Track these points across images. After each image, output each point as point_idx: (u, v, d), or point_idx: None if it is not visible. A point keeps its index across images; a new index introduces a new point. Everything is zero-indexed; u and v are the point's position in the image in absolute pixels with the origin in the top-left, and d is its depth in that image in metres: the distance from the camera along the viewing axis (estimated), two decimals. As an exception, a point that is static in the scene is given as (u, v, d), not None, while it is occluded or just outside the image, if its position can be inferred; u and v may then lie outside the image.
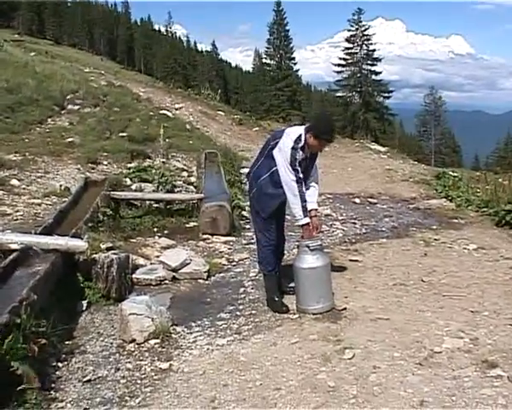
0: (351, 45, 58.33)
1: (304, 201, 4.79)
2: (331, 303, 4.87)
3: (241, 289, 5.60)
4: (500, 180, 12.69)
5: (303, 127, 4.97)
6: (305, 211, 4.81)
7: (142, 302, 4.55)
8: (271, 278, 5.09)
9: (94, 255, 5.25)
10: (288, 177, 4.76)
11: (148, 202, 8.34)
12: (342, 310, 4.81)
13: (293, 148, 4.76)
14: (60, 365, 4.01)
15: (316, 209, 5.07)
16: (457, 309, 4.81)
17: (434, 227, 8.12)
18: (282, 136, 4.92)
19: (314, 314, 4.74)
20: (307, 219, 4.82)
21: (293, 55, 64.88)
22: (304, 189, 4.84)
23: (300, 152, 4.80)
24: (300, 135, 4.85)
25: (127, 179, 9.40)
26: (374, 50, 58.14)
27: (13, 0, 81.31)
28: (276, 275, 5.15)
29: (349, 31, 58.35)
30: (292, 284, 5.10)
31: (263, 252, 5.09)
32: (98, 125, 14.04)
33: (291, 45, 64.31)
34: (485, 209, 9.15)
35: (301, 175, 4.80)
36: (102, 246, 5.58)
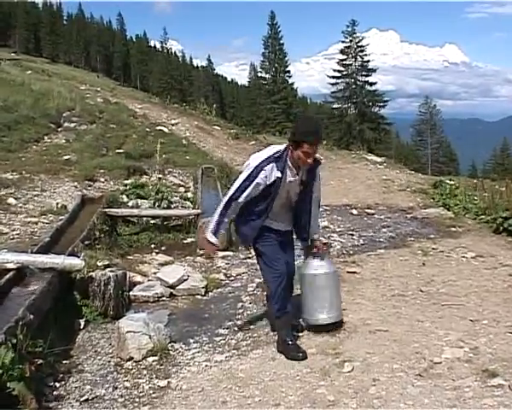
0: (345, 57, 58.64)
1: (221, 217, 4.30)
2: (338, 314, 4.62)
3: (239, 304, 5.57)
4: (497, 187, 12.71)
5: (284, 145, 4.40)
6: (218, 227, 4.32)
7: (139, 320, 4.53)
8: (284, 318, 4.41)
9: (91, 273, 5.23)
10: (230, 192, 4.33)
11: (145, 219, 8.32)
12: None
13: (257, 166, 4.24)
14: (57, 384, 3.97)
15: (318, 239, 4.66)
16: (457, 318, 4.78)
17: (432, 236, 8.11)
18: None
19: (320, 326, 4.56)
20: (213, 239, 4.33)
21: (288, 68, 65.39)
22: (231, 211, 4.33)
23: (279, 173, 4.23)
24: (279, 153, 4.30)
25: (124, 196, 9.38)
26: (368, 61, 58.47)
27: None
28: (289, 313, 4.51)
29: (343, 42, 58.70)
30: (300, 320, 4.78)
31: (272, 289, 4.45)
32: (95, 143, 14.08)
33: (286, 58, 64.83)
34: (482, 217, 9.16)
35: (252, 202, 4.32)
36: (99, 264, 5.56)
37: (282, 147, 4.37)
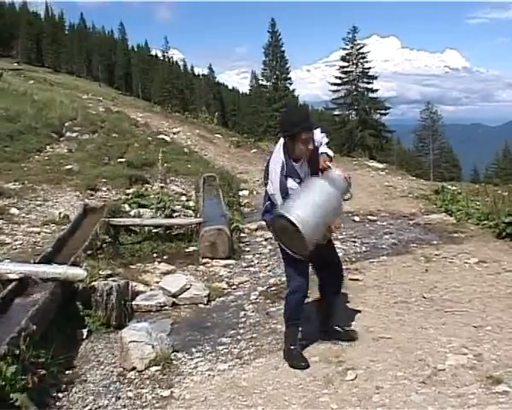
0: (346, 64, 58.74)
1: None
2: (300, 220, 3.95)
3: (242, 313, 5.56)
4: (500, 192, 12.69)
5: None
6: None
7: (142, 329, 4.53)
8: (292, 327, 4.41)
9: (93, 283, 5.23)
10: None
11: (147, 228, 8.32)
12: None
13: (280, 173, 4.14)
14: (60, 395, 3.97)
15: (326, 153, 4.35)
16: (460, 325, 4.76)
17: (435, 242, 8.08)
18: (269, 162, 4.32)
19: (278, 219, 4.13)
20: None
21: (289, 76, 65.50)
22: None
23: (291, 165, 4.17)
24: (280, 150, 4.24)
25: (126, 205, 9.39)
26: (369, 68, 58.55)
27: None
28: (298, 324, 4.44)
29: (344, 49, 58.80)
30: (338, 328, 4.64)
31: (288, 298, 4.40)
32: (96, 152, 14.12)
33: (287, 66, 64.96)
34: (485, 222, 9.12)
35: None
36: (102, 273, 5.57)
37: (280, 151, 4.26)
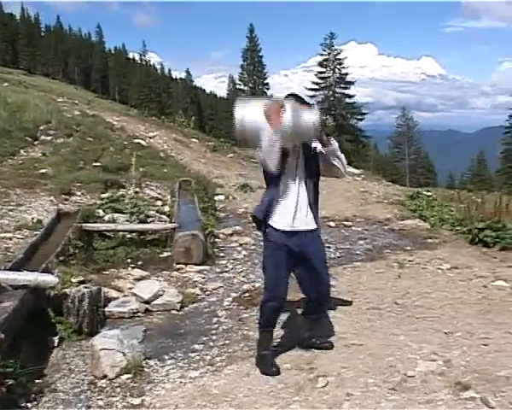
0: (323, 69, 59.06)
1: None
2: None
3: (215, 319, 5.53)
4: (474, 198, 12.86)
5: None
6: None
7: (113, 337, 4.49)
8: (266, 334, 4.38)
9: (65, 290, 5.17)
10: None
11: (121, 233, 8.26)
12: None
13: None
14: (29, 405, 3.90)
15: None
16: (431, 331, 4.82)
17: (409, 248, 8.16)
18: None
19: None
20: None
21: (266, 81, 65.65)
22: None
23: None
24: None
25: (100, 210, 9.30)
26: (346, 74, 59.00)
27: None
28: (272, 330, 4.42)
29: (322, 55, 59.14)
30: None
31: (263, 305, 4.33)
32: (71, 156, 13.96)
33: (265, 71, 65.12)
34: (458, 228, 9.23)
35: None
36: (74, 280, 5.51)
37: None
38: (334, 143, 4.26)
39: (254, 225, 4.58)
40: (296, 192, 4.20)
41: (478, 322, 4.99)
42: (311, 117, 4.00)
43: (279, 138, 3.91)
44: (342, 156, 4.34)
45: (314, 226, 4.31)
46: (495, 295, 5.79)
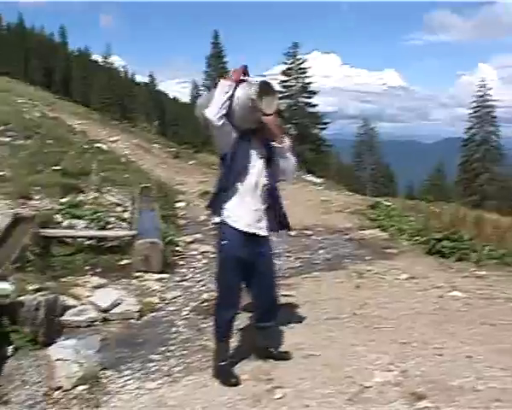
0: (287, 78, 59.33)
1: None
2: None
3: (173, 329, 5.48)
4: (432, 208, 13.11)
5: None
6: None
7: (69, 347, 4.42)
8: (223, 343, 4.35)
9: (21, 298, 5.06)
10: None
11: (80, 240, 8.13)
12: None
13: None
14: (-20, 418, 3.81)
15: None
16: (388, 342, 4.88)
17: (368, 258, 8.26)
18: None
19: None
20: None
21: (230, 87, 65.51)
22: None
23: None
24: None
25: (59, 216, 9.14)
26: (310, 83, 59.31)
27: None
28: (229, 340, 4.38)
29: (285, 64, 59.42)
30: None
31: (217, 315, 4.35)
32: (31, 159, 13.65)
33: (228, 77, 65.00)
34: (417, 238, 9.41)
35: None
36: (30, 287, 5.37)
37: None
38: (286, 142, 4.26)
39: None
40: (255, 191, 4.18)
41: (433, 332, 5.08)
42: (248, 90, 4.01)
43: (231, 92, 3.94)
44: (292, 160, 4.33)
45: (266, 233, 4.29)
46: (450, 306, 5.93)
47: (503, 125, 64.92)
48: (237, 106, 4.00)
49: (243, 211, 4.12)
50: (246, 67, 4.10)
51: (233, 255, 4.13)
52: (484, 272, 7.37)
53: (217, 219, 4.21)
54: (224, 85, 3.96)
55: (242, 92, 4.00)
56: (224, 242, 4.14)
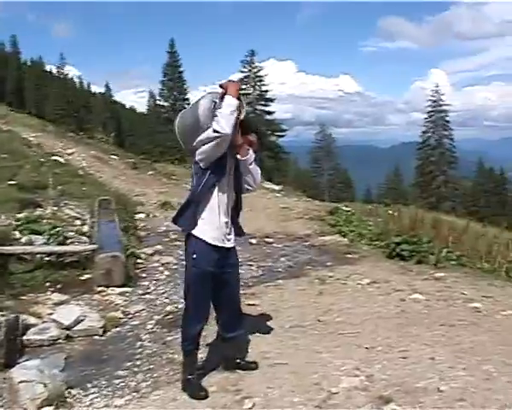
0: (244, 86, 59.48)
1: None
2: None
3: (138, 343, 5.42)
4: (390, 212, 13.32)
5: None
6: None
7: (32, 367, 4.31)
8: (191, 356, 4.33)
9: (-21, 318, 4.94)
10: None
11: (39, 256, 7.97)
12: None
13: None
14: None
15: None
16: (353, 347, 4.94)
17: (329, 264, 8.34)
18: None
19: None
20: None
21: (186, 96, 65.25)
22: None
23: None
24: None
25: (16, 232, 8.95)
26: (266, 91, 59.62)
27: None
28: (197, 353, 4.38)
29: (242, 72, 59.60)
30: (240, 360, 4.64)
31: (184, 327, 4.33)
32: (-16, 174, 13.36)
33: (185, 86, 64.71)
34: (376, 242, 9.54)
35: None
36: (-12, 307, 5.26)
37: None
38: (251, 154, 4.29)
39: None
40: (226, 204, 4.21)
41: (397, 335, 5.17)
42: (203, 102, 4.10)
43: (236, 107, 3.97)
44: (256, 171, 4.37)
45: (234, 244, 4.34)
46: (412, 308, 6.03)
47: (456, 129, 66.71)
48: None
49: (213, 225, 4.12)
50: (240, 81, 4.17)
51: (203, 269, 4.11)
52: (442, 274, 7.53)
53: (185, 232, 4.20)
54: (232, 104, 3.94)
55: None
56: (195, 256, 4.12)
